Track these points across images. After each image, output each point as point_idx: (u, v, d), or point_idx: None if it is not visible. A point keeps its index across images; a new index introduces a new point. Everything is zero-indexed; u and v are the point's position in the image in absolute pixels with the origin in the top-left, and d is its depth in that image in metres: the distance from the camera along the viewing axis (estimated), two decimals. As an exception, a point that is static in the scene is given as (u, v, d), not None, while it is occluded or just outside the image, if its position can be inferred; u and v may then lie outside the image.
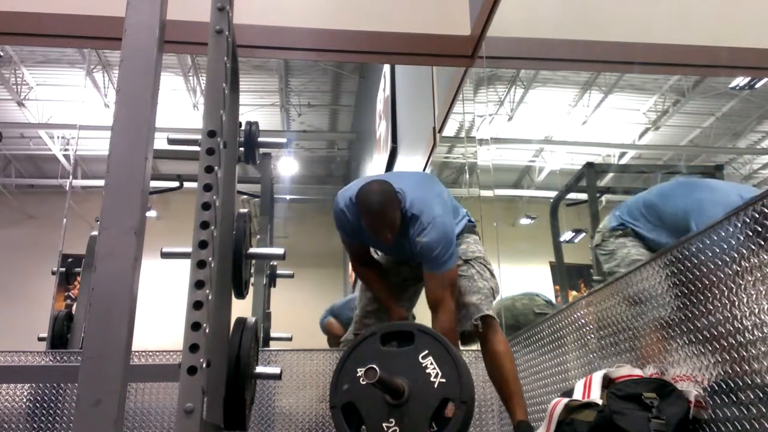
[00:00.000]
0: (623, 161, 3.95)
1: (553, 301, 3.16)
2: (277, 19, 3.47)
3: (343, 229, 2.35)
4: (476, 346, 2.54)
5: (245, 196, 4.61)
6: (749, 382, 1.23)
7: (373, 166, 7.24)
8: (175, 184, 4.95)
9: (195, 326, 1.08)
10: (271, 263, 4.43)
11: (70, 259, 4.94)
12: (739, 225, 1.28)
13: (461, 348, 2.36)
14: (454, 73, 3.84)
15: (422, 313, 2.50)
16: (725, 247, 1.33)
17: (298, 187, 10.68)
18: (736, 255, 1.30)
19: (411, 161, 4.98)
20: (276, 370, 1.59)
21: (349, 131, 10.03)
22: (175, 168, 4.80)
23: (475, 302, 2.23)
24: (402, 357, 1.69)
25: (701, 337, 1.40)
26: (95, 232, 2.78)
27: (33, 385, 2.84)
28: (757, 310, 1.23)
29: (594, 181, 3.45)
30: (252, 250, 1.74)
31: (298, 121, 9.51)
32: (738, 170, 3.04)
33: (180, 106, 8.39)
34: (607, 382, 1.57)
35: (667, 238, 2.15)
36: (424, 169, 4.45)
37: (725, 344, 1.31)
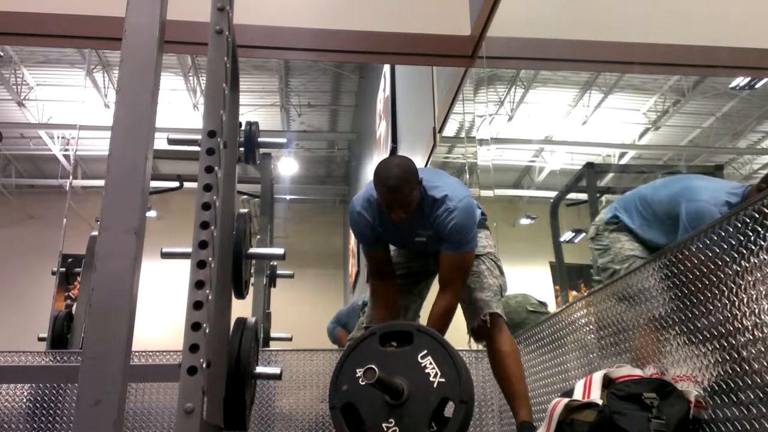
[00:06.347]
0: (623, 161, 3.96)
1: (546, 301, 3.15)
2: (277, 19, 3.47)
3: (363, 236, 2.26)
4: (476, 345, 2.54)
5: (245, 196, 4.61)
6: (749, 382, 1.23)
7: (373, 167, 7.22)
8: (175, 184, 4.95)
9: (195, 326, 1.08)
10: (271, 263, 4.43)
11: (70, 259, 4.94)
12: (740, 225, 1.28)
13: (476, 342, 2.32)
14: (454, 73, 3.84)
15: (426, 313, 2.49)
16: (725, 247, 1.33)
17: (298, 187, 10.68)
18: (736, 255, 1.30)
19: (411, 161, 4.96)
20: (276, 370, 1.59)
21: (349, 131, 10.03)
22: (175, 168, 4.80)
23: (484, 299, 2.21)
24: (401, 357, 1.68)
25: (701, 337, 1.40)
26: (95, 232, 2.78)
27: (33, 385, 2.84)
28: (757, 310, 1.23)
29: (594, 181, 3.45)
30: (252, 250, 1.74)
31: (298, 121, 9.51)
32: (738, 170, 3.04)
33: (180, 106, 8.39)
34: (607, 382, 1.57)
35: (659, 235, 2.16)
36: (424, 170, 4.44)
37: (725, 344, 1.31)
